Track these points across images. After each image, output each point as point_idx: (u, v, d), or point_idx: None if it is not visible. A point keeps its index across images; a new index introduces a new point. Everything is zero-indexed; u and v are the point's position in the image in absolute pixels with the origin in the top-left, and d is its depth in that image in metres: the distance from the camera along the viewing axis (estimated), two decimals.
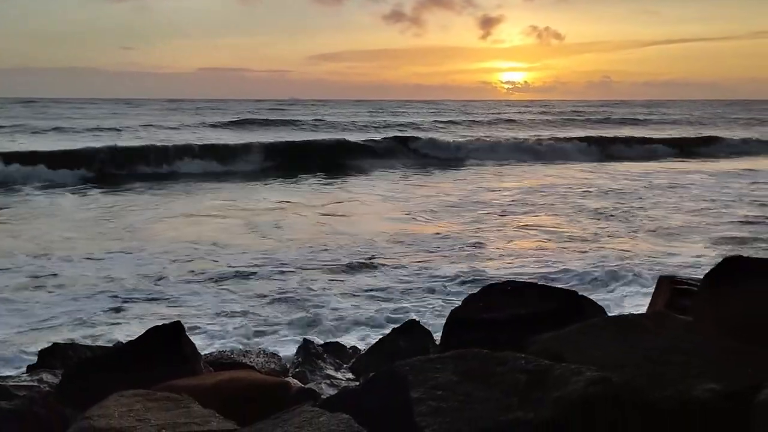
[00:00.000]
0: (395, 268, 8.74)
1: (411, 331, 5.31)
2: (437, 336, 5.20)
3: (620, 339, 2.48)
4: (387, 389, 2.24)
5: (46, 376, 3.73)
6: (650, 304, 4.17)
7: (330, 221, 12.23)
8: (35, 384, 3.59)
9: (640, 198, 14.88)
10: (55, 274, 8.27)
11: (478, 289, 4.47)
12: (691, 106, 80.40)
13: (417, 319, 5.70)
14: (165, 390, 2.69)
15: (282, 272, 8.54)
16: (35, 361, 4.24)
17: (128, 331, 6.08)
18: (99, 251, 9.49)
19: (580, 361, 2.27)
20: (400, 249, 9.84)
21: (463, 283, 8.01)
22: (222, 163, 21.54)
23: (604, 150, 27.65)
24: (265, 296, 7.57)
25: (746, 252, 8.90)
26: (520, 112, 59.37)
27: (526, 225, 11.74)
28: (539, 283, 5.90)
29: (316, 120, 40.52)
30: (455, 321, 4.04)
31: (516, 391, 2.11)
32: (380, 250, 9.68)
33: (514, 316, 3.81)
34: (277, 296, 7.56)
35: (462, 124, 41.24)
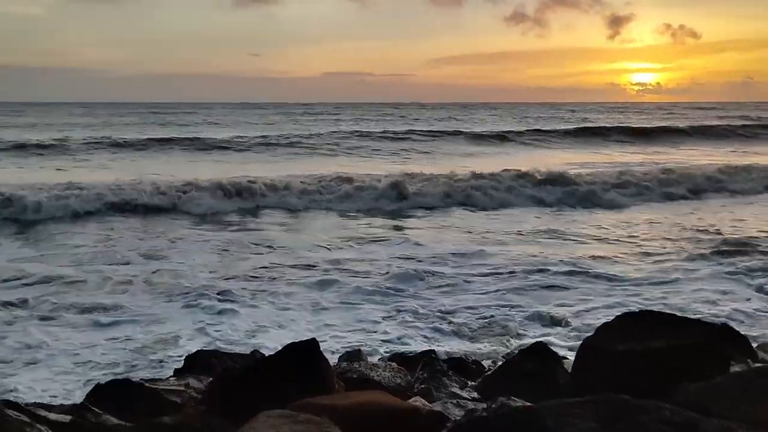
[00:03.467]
0: None
1: (539, 355, 5.22)
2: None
3: None
4: (523, 430, 2.23)
5: (192, 382, 3.99)
6: None
7: None
8: (183, 389, 3.84)
9: None
10: None
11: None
12: None
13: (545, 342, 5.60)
14: (303, 407, 2.81)
15: None
16: (182, 366, 4.54)
17: None
18: None
19: (729, 417, 2.17)
20: None
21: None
22: None
23: None
24: None
25: None
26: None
27: None
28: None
29: None
30: (589, 350, 3.94)
31: None
32: None
33: (653, 349, 3.67)
34: None
35: None
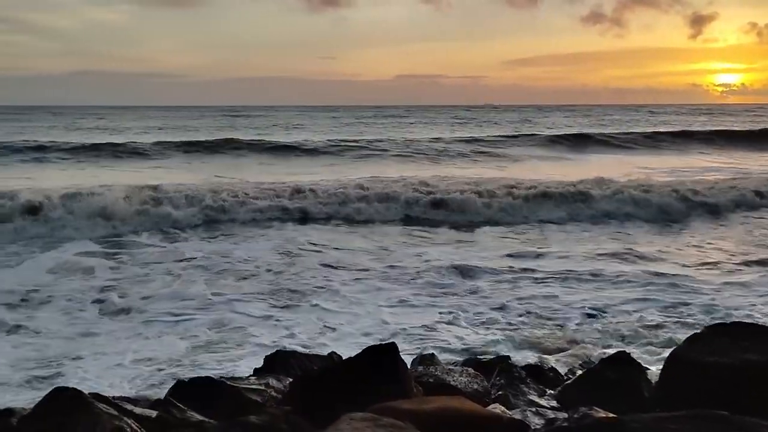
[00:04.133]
0: None
1: (621, 364, 5.05)
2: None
3: None
4: None
5: (272, 381, 4.04)
6: None
7: None
8: (263, 388, 3.90)
9: None
10: None
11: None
12: None
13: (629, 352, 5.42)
14: (384, 411, 2.80)
15: None
16: (261, 365, 4.61)
17: None
18: None
19: None
20: None
21: None
22: None
23: None
24: None
25: None
26: None
27: None
28: None
29: None
30: (677, 362, 3.79)
31: None
32: None
33: (746, 361, 3.50)
34: None
35: None
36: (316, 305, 8.05)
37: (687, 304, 8.00)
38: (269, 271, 9.65)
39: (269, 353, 4.79)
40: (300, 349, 5.90)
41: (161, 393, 4.72)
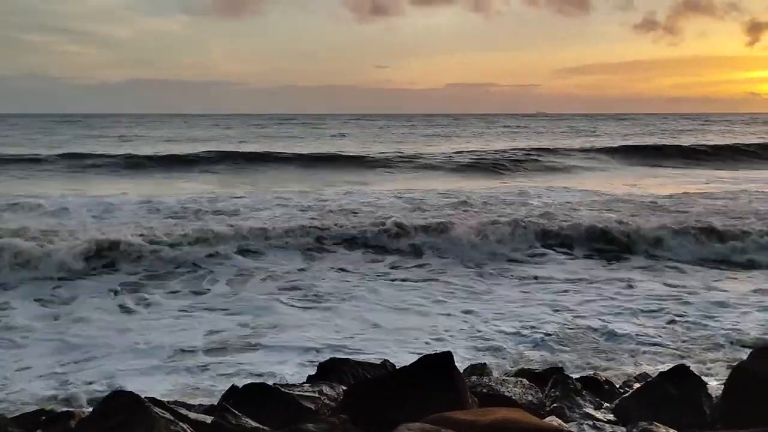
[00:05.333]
0: None
1: (681, 378, 4.90)
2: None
3: None
4: None
5: (326, 389, 4.04)
6: None
7: None
8: (317, 396, 3.90)
9: None
10: None
11: None
12: None
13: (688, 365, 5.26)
14: (441, 421, 2.77)
15: None
16: (315, 372, 4.62)
17: None
18: None
19: None
20: None
21: None
22: None
23: None
24: None
25: None
26: None
27: None
28: None
29: None
30: (743, 375, 3.66)
31: None
32: None
33: None
34: None
35: None
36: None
37: None
38: None
39: (323, 360, 4.80)
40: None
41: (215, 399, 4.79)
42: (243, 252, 11.18)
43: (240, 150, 31.28)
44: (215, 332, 7.44)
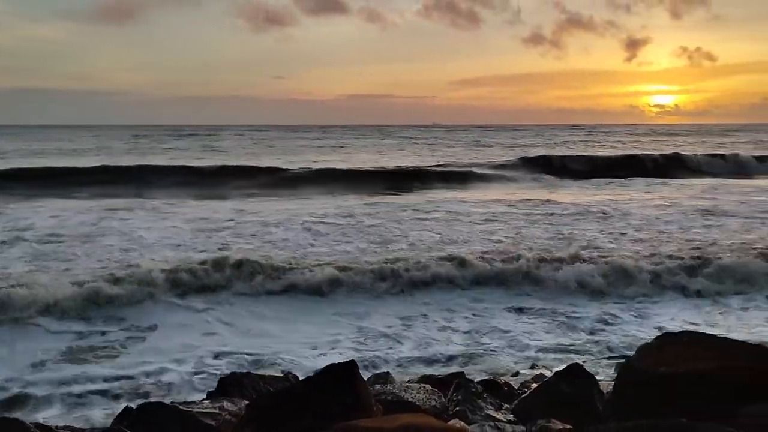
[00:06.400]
0: None
1: (574, 376, 5.11)
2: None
3: None
4: None
5: (227, 404, 3.95)
6: None
7: None
8: (217, 412, 3.80)
9: None
10: None
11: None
12: None
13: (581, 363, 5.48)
14: (347, 430, 2.76)
15: None
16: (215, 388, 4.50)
17: None
18: None
19: None
20: None
21: None
22: None
23: None
24: None
25: None
26: None
27: None
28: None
29: None
30: (630, 373, 3.84)
31: None
32: None
33: (700, 370, 3.56)
34: None
35: None
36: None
37: None
38: None
39: (223, 375, 4.69)
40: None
41: None
42: None
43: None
44: None
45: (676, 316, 8.35)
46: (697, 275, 9.80)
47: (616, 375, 4.41)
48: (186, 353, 6.89)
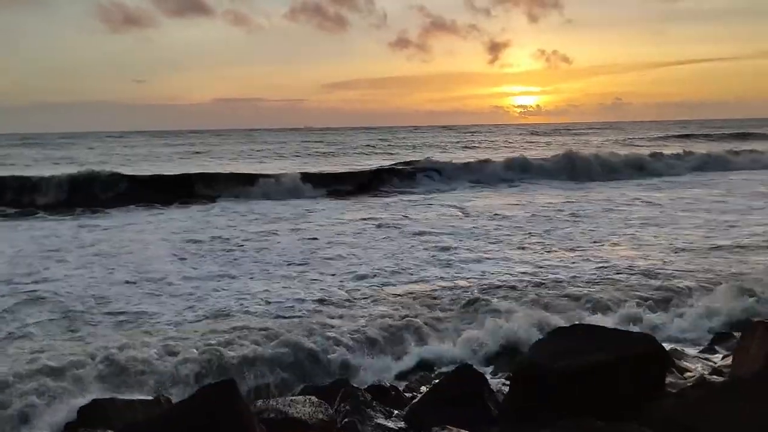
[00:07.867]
0: None
1: (464, 376, 4.98)
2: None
3: (753, 406, 2.17)
4: None
5: None
6: (740, 350, 3.81)
7: None
8: None
9: None
10: None
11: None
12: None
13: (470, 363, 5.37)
14: None
15: None
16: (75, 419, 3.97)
17: None
18: None
19: None
20: None
21: None
22: None
23: None
24: None
25: None
26: None
27: None
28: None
29: None
30: (526, 370, 3.72)
31: None
32: None
33: (597, 363, 3.49)
34: None
35: None
36: None
37: None
38: None
39: (83, 404, 4.14)
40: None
41: None
42: None
43: None
44: None
45: None
46: None
47: (509, 373, 4.29)
48: None
